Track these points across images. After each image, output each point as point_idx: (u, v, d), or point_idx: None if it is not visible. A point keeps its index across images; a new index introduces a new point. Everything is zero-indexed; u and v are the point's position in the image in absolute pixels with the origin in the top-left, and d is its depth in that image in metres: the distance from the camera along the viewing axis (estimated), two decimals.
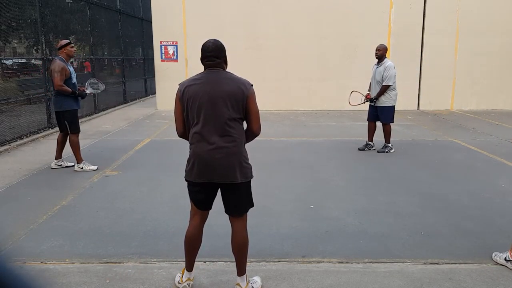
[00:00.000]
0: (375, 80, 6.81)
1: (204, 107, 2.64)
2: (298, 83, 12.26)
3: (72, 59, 6.76)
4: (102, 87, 6.53)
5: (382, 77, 6.66)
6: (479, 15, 11.86)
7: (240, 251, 2.85)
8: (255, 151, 7.58)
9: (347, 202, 4.71)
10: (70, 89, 5.79)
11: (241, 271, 2.89)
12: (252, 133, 2.78)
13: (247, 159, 2.78)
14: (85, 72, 13.28)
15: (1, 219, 4.30)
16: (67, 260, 3.39)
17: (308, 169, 6.04)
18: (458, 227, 4.03)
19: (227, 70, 2.80)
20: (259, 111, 2.78)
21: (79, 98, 6.03)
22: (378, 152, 6.91)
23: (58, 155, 6.16)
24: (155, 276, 3.14)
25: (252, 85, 2.74)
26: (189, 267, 2.95)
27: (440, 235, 3.85)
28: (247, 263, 2.91)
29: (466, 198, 4.83)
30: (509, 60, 12.08)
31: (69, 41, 6.00)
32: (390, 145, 6.99)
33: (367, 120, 7.22)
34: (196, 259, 2.97)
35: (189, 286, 2.93)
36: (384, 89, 6.70)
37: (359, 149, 7.16)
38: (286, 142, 7.99)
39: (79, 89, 6.05)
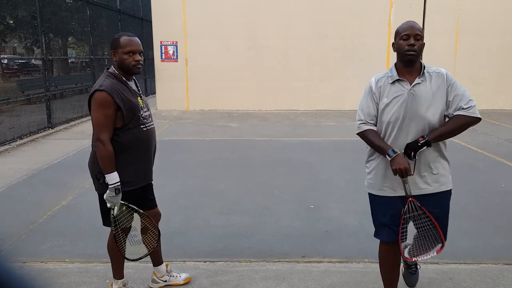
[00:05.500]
0: (417, 117, 2.53)
1: None
2: (298, 83, 12.25)
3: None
4: None
5: (450, 104, 2.55)
6: (479, 15, 11.85)
7: None
8: (255, 151, 7.65)
9: (347, 202, 4.70)
10: None
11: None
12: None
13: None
14: None
15: (1, 219, 4.30)
16: (67, 260, 3.39)
17: (308, 169, 6.04)
18: (458, 227, 4.02)
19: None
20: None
21: None
22: None
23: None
24: None
25: (96, 90, 2.50)
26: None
27: None
28: (246, 263, 2.90)
29: (466, 198, 4.82)
30: (509, 60, 12.07)
31: None
32: None
33: (387, 242, 2.73)
34: (196, 259, 2.97)
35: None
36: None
37: None
38: (286, 142, 7.99)
39: None
